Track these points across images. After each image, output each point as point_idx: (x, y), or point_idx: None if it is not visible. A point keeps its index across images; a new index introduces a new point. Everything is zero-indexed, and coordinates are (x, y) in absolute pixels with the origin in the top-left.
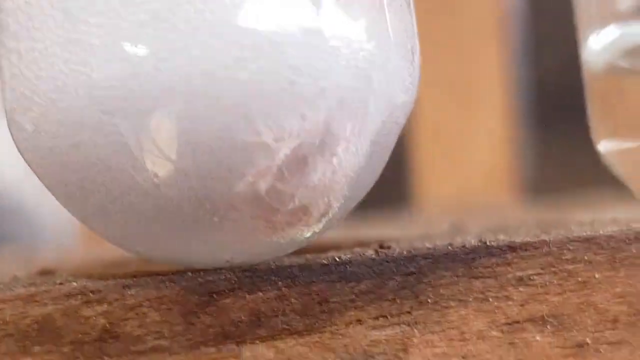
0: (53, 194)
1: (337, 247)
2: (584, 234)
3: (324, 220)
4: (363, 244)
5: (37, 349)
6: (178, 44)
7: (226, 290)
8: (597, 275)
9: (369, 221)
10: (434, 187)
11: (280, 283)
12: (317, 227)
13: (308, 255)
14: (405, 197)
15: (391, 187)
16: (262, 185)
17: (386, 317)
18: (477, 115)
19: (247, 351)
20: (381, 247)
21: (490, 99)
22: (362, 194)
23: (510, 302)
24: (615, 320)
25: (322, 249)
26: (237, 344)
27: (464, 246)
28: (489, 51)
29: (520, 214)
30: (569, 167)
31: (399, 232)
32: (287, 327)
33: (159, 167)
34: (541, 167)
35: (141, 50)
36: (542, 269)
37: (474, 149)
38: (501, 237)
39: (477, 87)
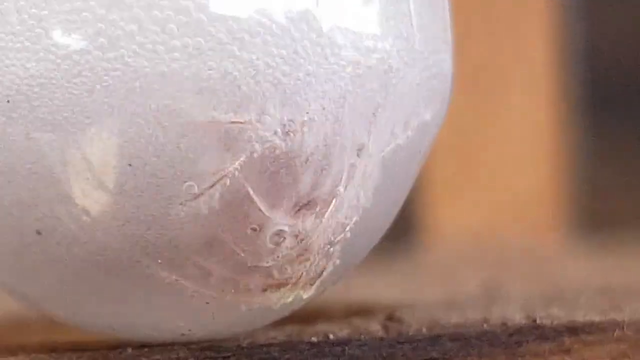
0: None
1: (326, 315)
2: None
3: (318, 281)
4: (364, 311)
5: None
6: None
7: None
8: None
9: (361, 271)
10: (451, 221)
11: None
12: (306, 291)
13: (290, 329)
14: (411, 236)
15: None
16: (212, 204)
17: None
18: (512, 118)
19: None
20: (389, 318)
21: (531, 93)
22: (372, 240)
23: None
24: None
25: (307, 318)
26: None
27: (504, 324)
28: (530, 26)
29: (576, 266)
30: None
31: (408, 294)
32: None
33: (91, 199)
34: (604, 193)
35: (74, 42)
36: None
37: (508, 166)
38: (555, 311)
39: (513, 76)
